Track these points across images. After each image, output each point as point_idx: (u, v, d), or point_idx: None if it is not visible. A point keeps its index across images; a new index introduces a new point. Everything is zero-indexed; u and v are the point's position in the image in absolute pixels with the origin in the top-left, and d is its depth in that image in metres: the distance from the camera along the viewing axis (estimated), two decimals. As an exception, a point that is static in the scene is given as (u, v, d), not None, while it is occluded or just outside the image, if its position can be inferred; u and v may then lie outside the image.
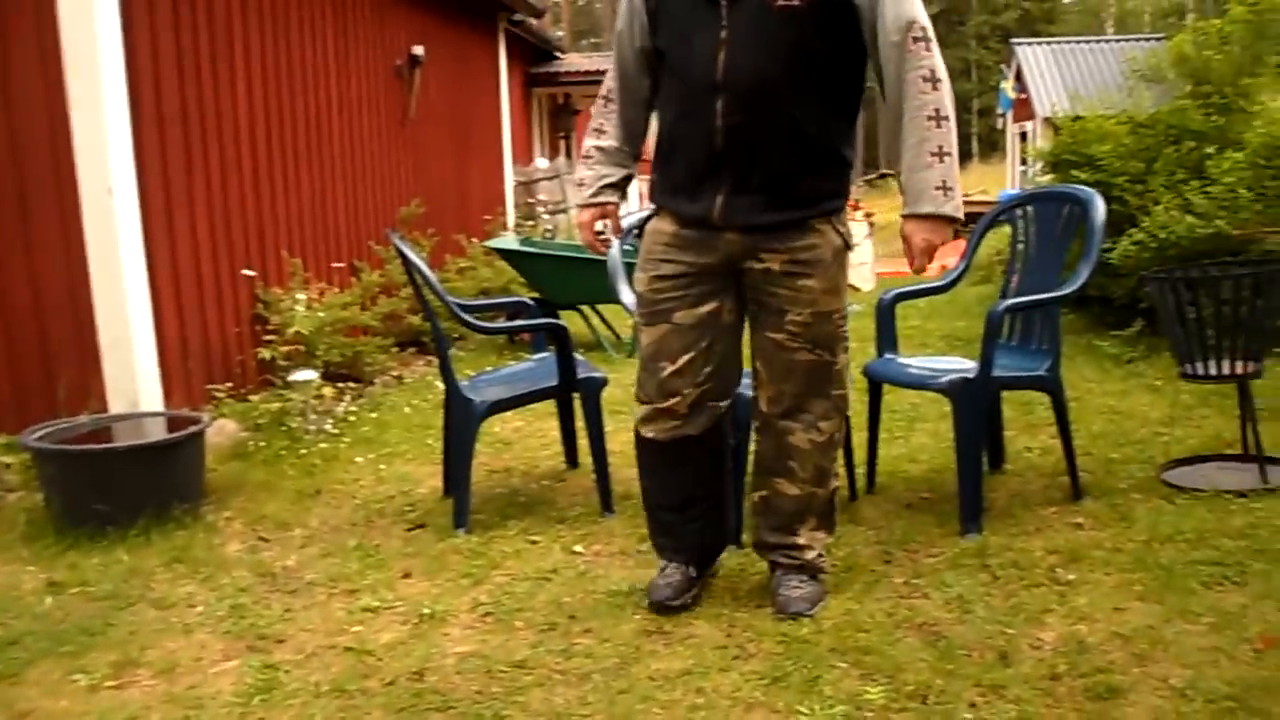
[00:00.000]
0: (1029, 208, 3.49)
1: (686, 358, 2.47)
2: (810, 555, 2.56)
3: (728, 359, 2.52)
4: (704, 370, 2.49)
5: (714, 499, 2.65)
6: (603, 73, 2.72)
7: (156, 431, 3.73)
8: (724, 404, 2.56)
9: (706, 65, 2.33)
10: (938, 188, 2.30)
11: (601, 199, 2.64)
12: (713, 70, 2.32)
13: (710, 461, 2.62)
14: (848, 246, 2.49)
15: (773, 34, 2.29)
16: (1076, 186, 3.57)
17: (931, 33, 2.31)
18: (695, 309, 2.46)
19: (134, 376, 4.07)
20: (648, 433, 2.56)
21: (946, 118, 2.29)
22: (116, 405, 4.03)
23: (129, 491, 3.27)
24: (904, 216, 2.38)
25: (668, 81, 2.47)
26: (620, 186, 2.67)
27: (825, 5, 2.28)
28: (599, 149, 2.64)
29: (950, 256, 5.23)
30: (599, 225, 2.67)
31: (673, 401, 2.50)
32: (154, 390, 4.17)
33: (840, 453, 2.60)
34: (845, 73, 2.39)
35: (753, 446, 2.63)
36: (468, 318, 3.49)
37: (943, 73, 2.31)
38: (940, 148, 2.29)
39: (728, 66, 2.31)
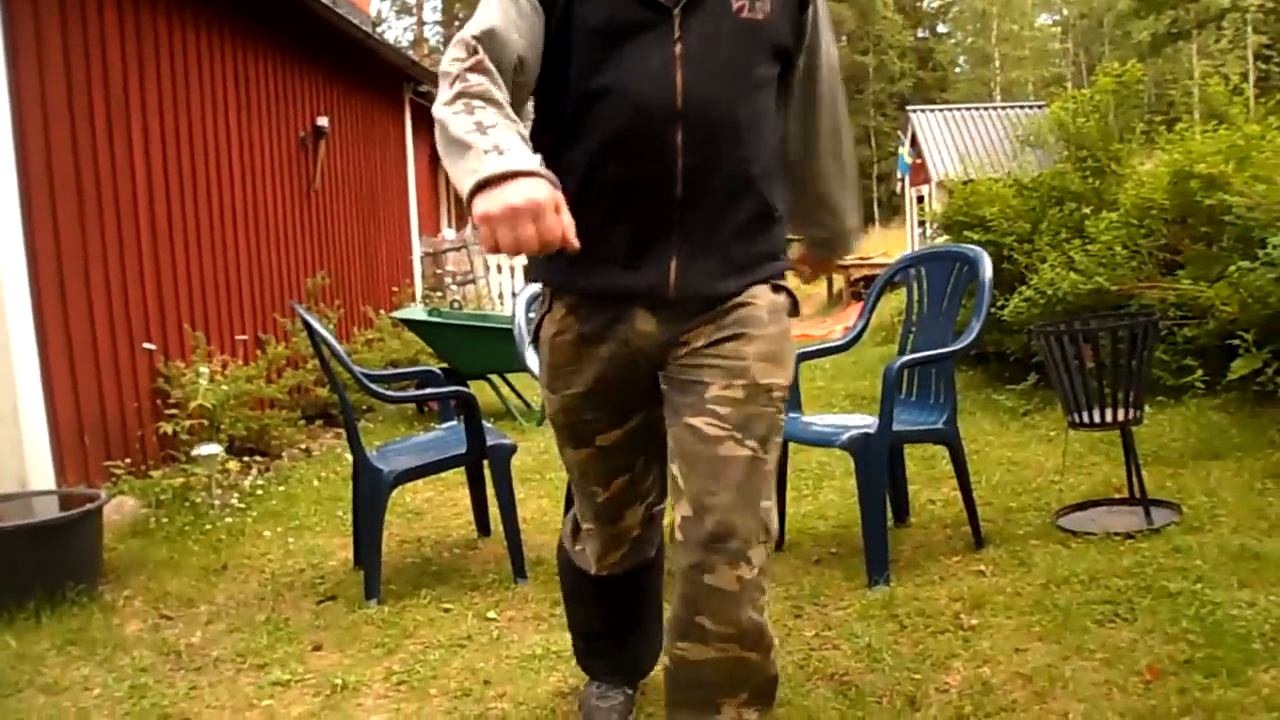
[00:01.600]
0: (921, 268, 3.64)
1: (620, 481, 2.02)
2: None
3: (664, 467, 2.00)
4: (644, 486, 2.05)
5: (655, 613, 2.30)
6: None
7: (48, 510, 3.60)
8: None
9: (661, 87, 1.72)
10: (854, 228, 2.09)
11: (550, 174, 1.47)
12: (670, 94, 1.72)
13: (656, 575, 2.28)
14: (794, 308, 1.94)
15: (734, 52, 1.77)
16: (966, 246, 3.75)
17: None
18: (620, 427, 1.96)
19: (23, 454, 3.92)
20: (600, 569, 2.15)
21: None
22: (3, 485, 3.88)
23: (18, 573, 3.15)
24: (822, 240, 2.10)
25: (584, 104, 1.76)
26: None
27: (781, 22, 1.82)
28: (504, 115, 1.56)
29: (854, 318, 5.39)
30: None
31: (618, 526, 2.08)
32: (45, 468, 4.03)
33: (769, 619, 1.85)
34: (777, 105, 1.90)
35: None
36: (375, 387, 3.48)
37: None
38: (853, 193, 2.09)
39: (687, 89, 1.72)
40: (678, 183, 1.75)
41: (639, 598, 2.28)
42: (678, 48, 1.73)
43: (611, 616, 2.29)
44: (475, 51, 1.63)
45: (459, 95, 1.57)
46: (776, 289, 1.88)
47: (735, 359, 1.80)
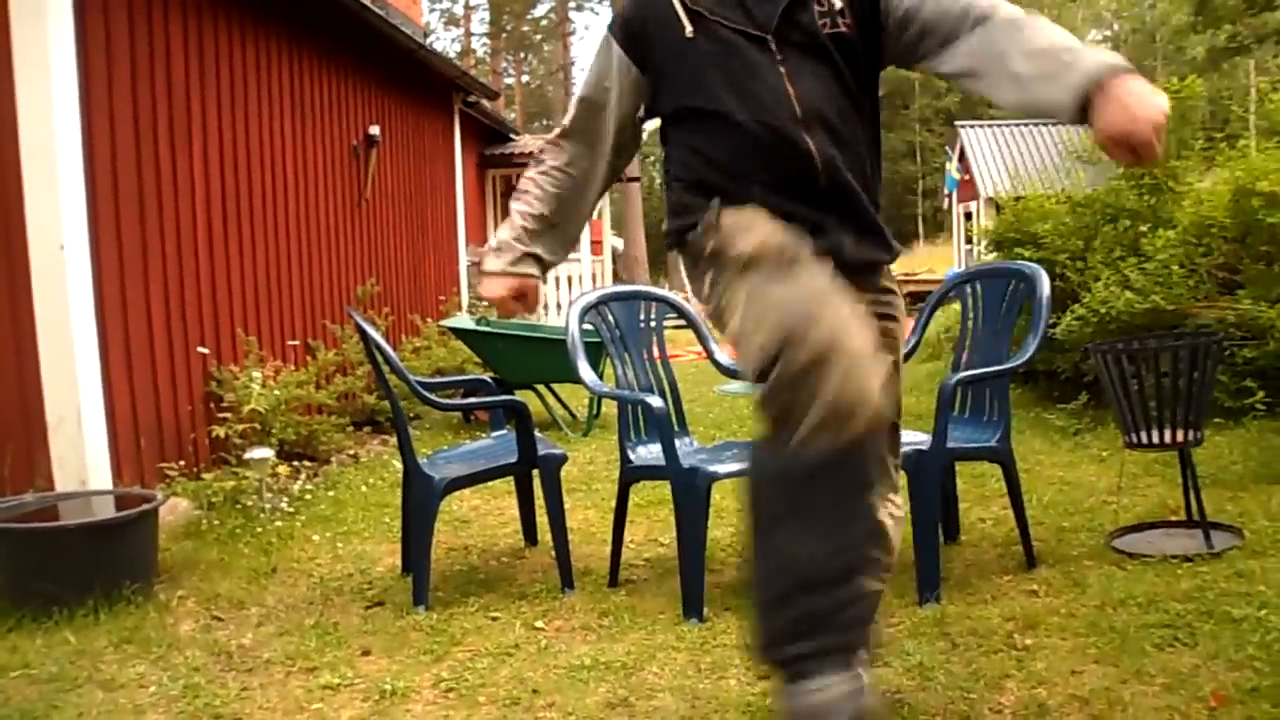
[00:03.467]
0: (976, 284, 3.61)
1: (846, 304, 1.79)
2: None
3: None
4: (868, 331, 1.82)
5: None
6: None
7: (105, 510, 3.66)
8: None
9: (780, 97, 1.94)
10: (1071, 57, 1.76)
11: (524, 269, 2.21)
12: (789, 103, 1.94)
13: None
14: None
15: (826, 64, 1.98)
16: (1022, 262, 3.71)
17: None
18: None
19: (83, 454, 4.00)
20: (819, 439, 1.65)
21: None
22: (64, 483, 3.96)
23: (76, 571, 3.20)
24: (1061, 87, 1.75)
25: (719, 125, 1.97)
26: (544, 266, 2.25)
27: (864, 24, 2.00)
28: (534, 216, 2.20)
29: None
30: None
31: (856, 345, 1.70)
32: (103, 468, 4.11)
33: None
34: (874, 116, 2.10)
35: None
36: (428, 394, 3.51)
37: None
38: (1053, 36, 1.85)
39: (801, 99, 1.94)
40: (820, 174, 1.96)
41: (865, 496, 1.78)
42: (782, 69, 1.97)
43: (830, 534, 1.70)
44: (564, 122, 2.23)
45: (527, 174, 2.25)
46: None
47: (889, 337, 2.07)
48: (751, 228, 1.90)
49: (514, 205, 2.23)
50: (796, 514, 1.72)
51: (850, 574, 1.72)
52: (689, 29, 2.00)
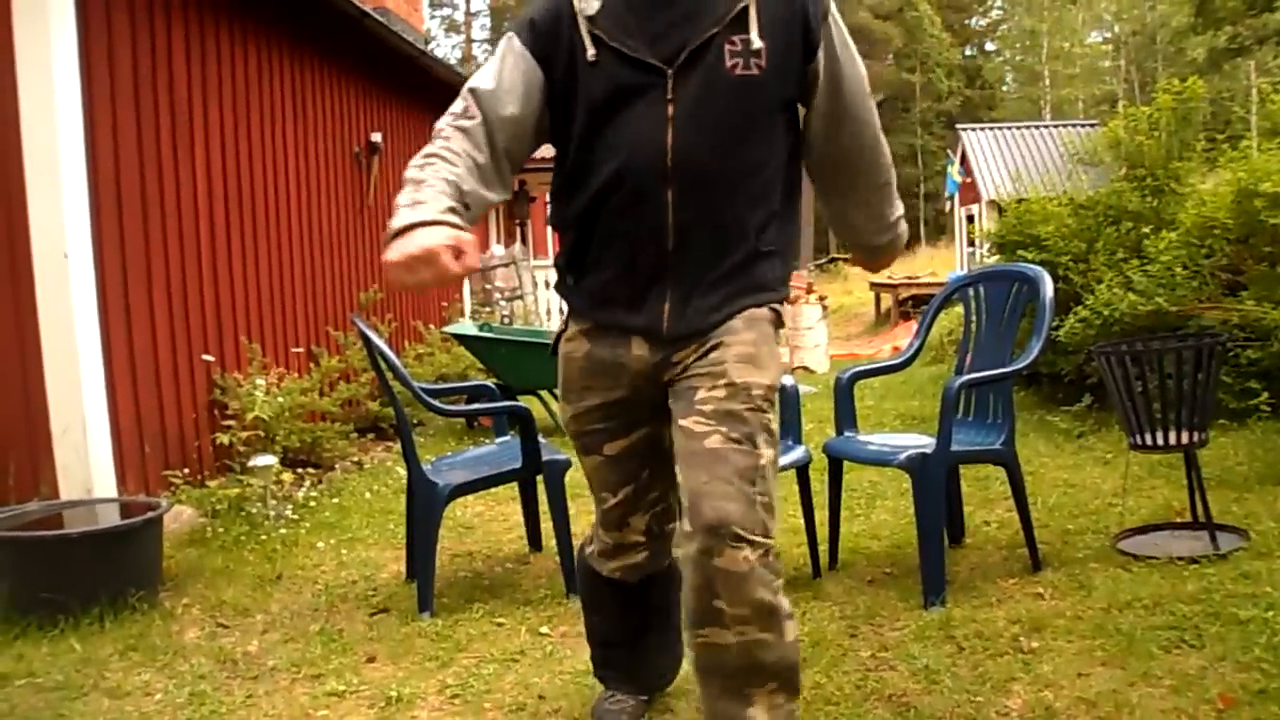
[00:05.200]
0: (980, 287, 3.61)
1: (626, 490, 2.13)
2: None
3: (672, 482, 2.02)
4: (649, 496, 2.15)
5: (671, 625, 2.30)
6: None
7: (110, 518, 3.66)
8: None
9: (653, 148, 1.87)
10: (893, 238, 2.19)
11: (457, 220, 1.76)
12: (661, 155, 1.86)
13: (671, 588, 2.20)
14: (778, 321, 2.04)
15: (727, 108, 1.88)
16: (1025, 265, 3.71)
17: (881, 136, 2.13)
18: (625, 438, 2.09)
19: (88, 462, 4.01)
20: (609, 571, 2.25)
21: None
22: (69, 491, 3.96)
23: (82, 579, 3.20)
24: (867, 249, 2.21)
25: (585, 166, 1.94)
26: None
27: (783, 69, 1.92)
28: (449, 182, 1.82)
29: (904, 338, 5.36)
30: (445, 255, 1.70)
31: (624, 533, 2.18)
32: (108, 476, 4.11)
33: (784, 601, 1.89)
34: (793, 149, 2.02)
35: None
36: (431, 400, 3.51)
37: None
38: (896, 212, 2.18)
39: (678, 150, 1.86)
40: (669, 236, 1.91)
41: (650, 606, 2.31)
42: (670, 108, 1.86)
43: (624, 623, 2.34)
44: (466, 105, 1.92)
45: (423, 154, 1.88)
46: (758, 305, 2.00)
47: (715, 365, 1.93)
48: (565, 398, 2.13)
49: (424, 172, 1.83)
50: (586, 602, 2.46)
51: (623, 644, 2.39)
52: (591, 53, 1.88)
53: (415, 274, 1.68)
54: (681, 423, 1.91)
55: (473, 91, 1.93)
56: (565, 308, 2.14)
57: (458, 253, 1.69)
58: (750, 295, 1.98)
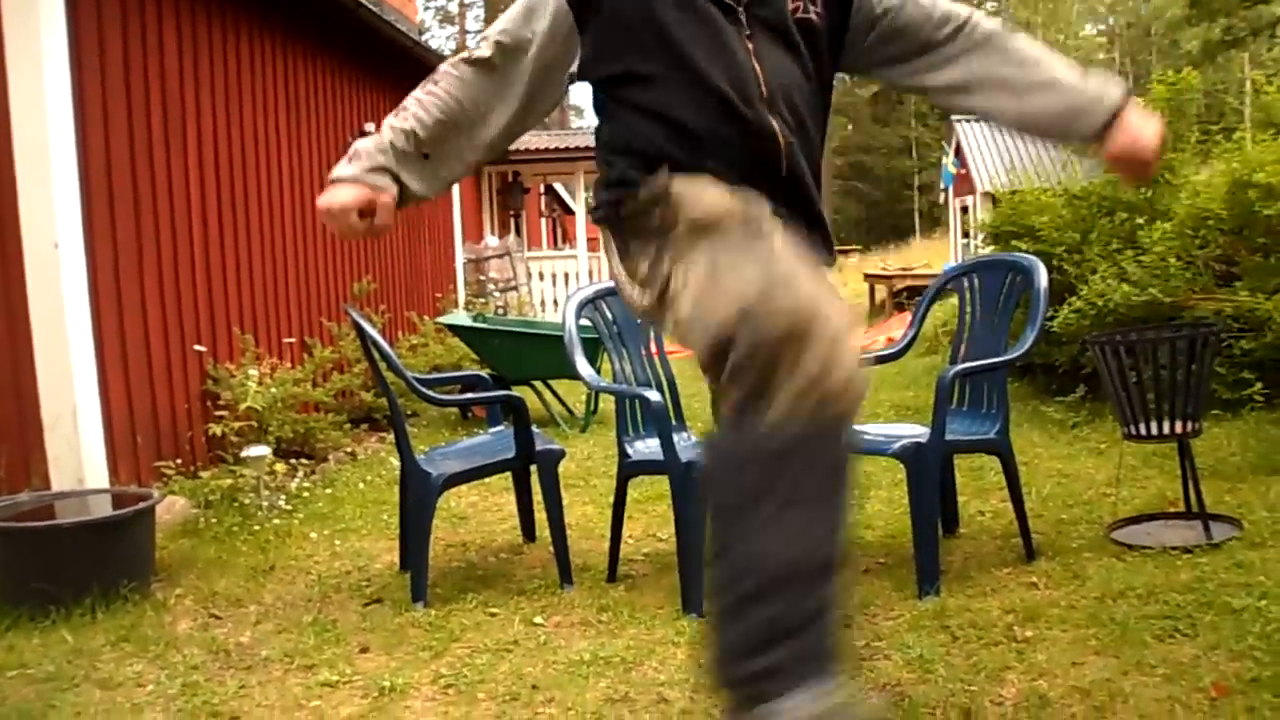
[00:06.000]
0: (974, 277, 3.60)
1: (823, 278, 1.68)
2: None
3: None
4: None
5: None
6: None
7: (102, 509, 3.65)
8: None
9: (747, 77, 1.79)
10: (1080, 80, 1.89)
11: (378, 180, 1.86)
12: (756, 85, 1.79)
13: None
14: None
15: (795, 49, 1.86)
16: (1020, 254, 3.70)
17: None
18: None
19: (79, 452, 3.99)
20: (798, 414, 1.45)
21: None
22: (60, 482, 3.95)
23: (73, 570, 3.19)
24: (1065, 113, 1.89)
25: (682, 106, 1.79)
26: (405, 192, 1.91)
27: (835, 21, 1.91)
28: (406, 133, 1.88)
29: (898, 329, 5.36)
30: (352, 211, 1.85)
31: (839, 315, 1.51)
32: (100, 467, 4.10)
33: None
34: (829, 104, 1.99)
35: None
36: (424, 389, 3.50)
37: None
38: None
39: (771, 83, 1.81)
40: (783, 163, 1.81)
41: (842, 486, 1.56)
42: (750, 44, 1.82)
43: (810, 523, 1.47)
44: (477, 53, 1.91)
45: (409, 97, 1.93)
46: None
47: None
48: (708, 193, 1.72)
49: (388, 120, 1.90)
50: (770, 500, 1.44)
51: (831, 569, 1.46)
52: None
53: (331, 224, 1.86)
54: None
55: (495, 42, 1.91)
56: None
57: (369, 210, 1.84)
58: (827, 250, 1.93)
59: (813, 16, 1.88)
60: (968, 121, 23.83)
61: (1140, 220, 5.64)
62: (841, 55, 1.96)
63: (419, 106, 1.90)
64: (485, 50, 1.91)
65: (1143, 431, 3.34)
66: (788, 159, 1.81)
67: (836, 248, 2.06)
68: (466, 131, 1.93)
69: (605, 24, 1.84)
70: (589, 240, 13.55)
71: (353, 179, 1.85)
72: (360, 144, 1.89)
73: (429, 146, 1.90)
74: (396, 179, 1.89)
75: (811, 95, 1.89)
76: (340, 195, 1.84)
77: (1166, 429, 3.30)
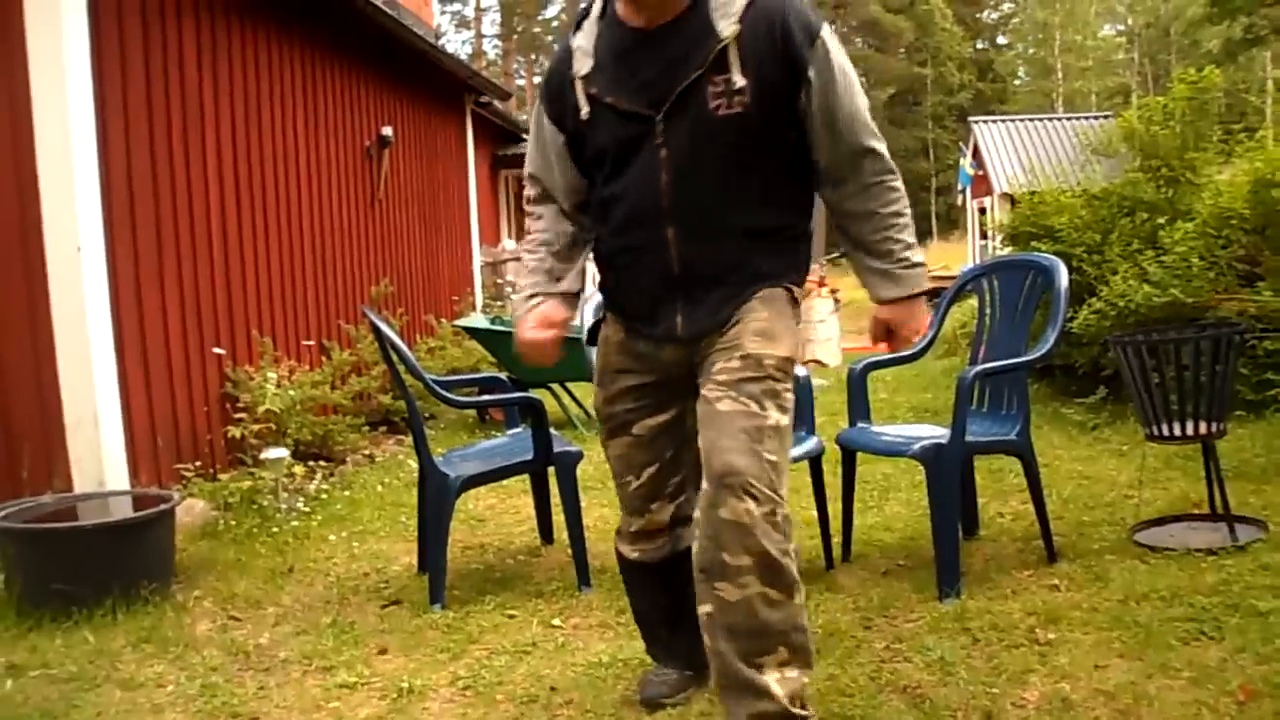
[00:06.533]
0: (994, 277, 3.57)
1: (651, 470, 2.27)
2: (782, 705, 1.93)
3: (695, 465, 2.15)
4: (672, 481, 2.29)
5: None
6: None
7: (123, 510, 3.67)
8: None
9: (652, 191, 2.06)
10: (905, 267, 2.14)
11: (534, 305, 2.29)
12: (659, 196, 2.06)
13: None
14: (792, 299, 2.15)
15: (716, 146, 2.03)
16: (1040, 254, 3.67)
17: (887, 159, 2.12)
18: (655, 417, 2.25)
19: (100, 455, 4.01)
20: (629, 553, 2.38)
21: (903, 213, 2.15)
22: (82, 484, 3.97)
23: (95, 571, 3.20)
24: (876, 274, 2.16)
25: (603, 205, 2.19)
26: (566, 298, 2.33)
27: (767, 99, 2.01)
28: (537, 251, 2.33)
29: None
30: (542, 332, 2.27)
31: (645, 520, 2.31)
32: (121, 469, 4.11)
33: (793, 565, 1.97)
34: (795, 155, 2.12)
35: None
36: (442, 391, 3.50)
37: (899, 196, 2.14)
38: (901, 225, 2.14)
39: (675, 190, 2.05)
40: (675, 264, 2.10)
41: (683, 588, 2.24)
42: (663, 152, 2.04)
43: (656, 603, 2.42)
44: (529, 192, 2.35)
45: (525, 238, 2.41)
46: (772, 285, 2.13)
47: (733, 340, 2.07)
48: (600, 382, 2.31)
49: (520, 280, 2.41)
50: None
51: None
52: (584, 111, 2.10)
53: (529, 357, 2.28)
54: (702, 392, 2.07)
55: (531, 177, 2.33)
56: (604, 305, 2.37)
57: (546, 324, 2.25)
58: (762, 282, 2.12)
59: (739, 109, 2.00)
60: (985, 123, 23.74)
61: (1161, 220, 5.60)
62: (802, 123, 2.07)
63: (530, 250, 2.35)
64: (530, 189, 2.35)
65: (1166, 432, 3.31)
66: (681, 264, 2.09)
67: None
68: (568, 252, 2.33)
69: (570, 137, 2.19)
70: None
71: (525, 314, 2.28)
72: (525, 279, 2.34)
73: (556, 274, 2.32)
74: (551, 295, 2.30)
75: (748, 181, 2.07)
76: (525, 333, 2.26)
77: (1190, 430, 3.27)
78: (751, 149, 2.05)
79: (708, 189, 2.06)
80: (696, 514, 2.02)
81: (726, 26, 1.98)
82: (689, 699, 2.37)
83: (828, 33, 2.03)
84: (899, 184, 2.14)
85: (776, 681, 1.93)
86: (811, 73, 2.00)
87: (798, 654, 1.97)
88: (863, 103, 2.08)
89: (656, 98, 2.02)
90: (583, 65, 2.10)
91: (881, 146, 2.10)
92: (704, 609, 1.98)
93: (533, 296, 2.30)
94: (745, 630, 1.93)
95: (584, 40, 2.12)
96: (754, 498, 1.92)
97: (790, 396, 2.06)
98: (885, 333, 2.20)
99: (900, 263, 2.12)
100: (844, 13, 42.68)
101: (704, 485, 1.98)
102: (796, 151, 2.11)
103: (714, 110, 2.00)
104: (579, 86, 2.10)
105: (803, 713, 1.96)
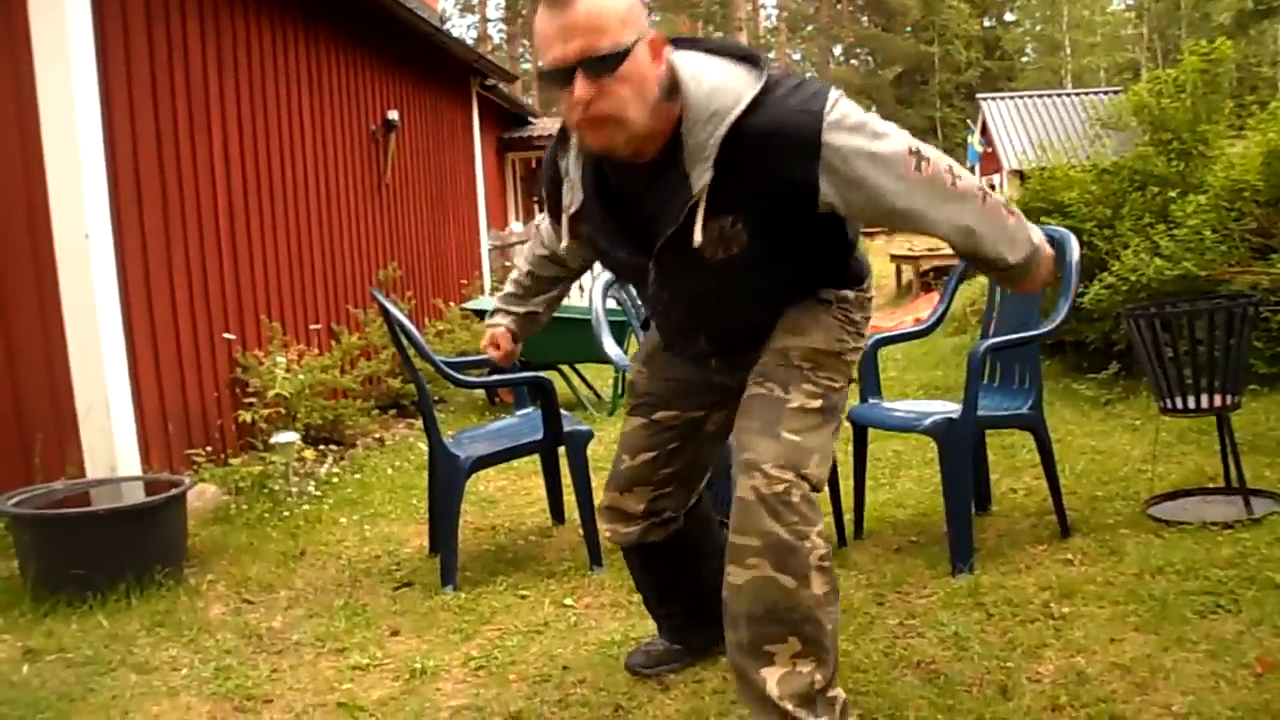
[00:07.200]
0: (1004, 250, 3.54)
1: (645, 457, 2.24)
2: (775, 704, 1.82)
3: (694, 467, 2.29)
4: (662, 473, 2.25)
5: (695, 597, 2.39)
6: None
7: (135, 495, 3.67)
8: (681, 517, 2.33)
9: (665, 308, 2.09)
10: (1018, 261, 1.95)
11: (495, 320, 2.57)
12: (674, 312, 2.09)
13: (682, 565, 2.38)
14: (819, 300, 2.01)
15: (718, 282, 1.91)
16: (1051, 227, 3.63)
17: (982, 213, 1.88)
18: (678, 411, 2.22)
19: (112, 441, 4.02)
20: (601, 529, 2.43)
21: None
22: (94, 470, 3.98)
23: (108, 556, 3.21)
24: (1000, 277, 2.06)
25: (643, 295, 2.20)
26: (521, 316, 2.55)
27: (770, 231, 1.83)
28: (526, 277, 2.52)
29: (925, 309, 5.31)
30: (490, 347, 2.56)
31: (619, 499, 2.28)
32: (132, 455, 4.13)
33: (813, 549, 1.84)
34: (827, 238, 1.95)
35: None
36: (452, 371, 3.49)
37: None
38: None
39: (688, 312, 2.07)
40: (707, 347, 2.13)
41: (652, 573, 2.43)
42: (665, 294, 2.01)
43: (641, 580, 2.49)
44: (532, 249, 2.49)
45: (529, 243, 2.55)
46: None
47: (771, 342, 2.01)
48: (646, 364, 2.28)
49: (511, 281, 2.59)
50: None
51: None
52: (582, 246, 2.08)
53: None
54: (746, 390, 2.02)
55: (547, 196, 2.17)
56: None
57: (494, 345, 2.54)
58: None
59: (733, 250, 1.82)
60: (994, 100, 23.60)
61: (1173, 194, 5.53)
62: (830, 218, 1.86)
63: (517, 274, 2.59)
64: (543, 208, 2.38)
65: (1180, 405, 3.28)
66: (712, 347, 2.12)
67: (866, 230, 2.14)
68: (559, 281, 2.54)
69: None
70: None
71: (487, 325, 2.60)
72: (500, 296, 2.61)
73: (536, 302, 2.57)
74: (508, 313, 2.55)
75: (773, 282, 1.96)
76: (483, 346, 2.57)
77: (1205, 403, 3.24)
78: (765, 269, 1.89)
79: (728, 306, 2.01)
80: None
81: (699, 176, 1.73)
82: (671, 672, 2.41)
83: (833, 121, 1.71)
84: (1001, 219, 1.90)
85: (780, 678, 1.81)
86: (828, 191, 1.75)
87: (812, 646, 1.83)
88: (926, 173, 1.78)
89: (644, 246, 1.88)
90: (572, 201, 1.94)
91: (971, 205, 1.84)
92: (723, 593, 1.90)
93: (496, 312, 2.55)
94: (749, 615, 1.83)
95: (573, 167, 1.93)
96: (764, 475, 1.83)
97: (828, 383, 1.95)
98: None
99: (1006, 263, 1.95)
100: (850, -9, 42.33)
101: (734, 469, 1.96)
102: (825, 238, 1.93)
103: (709, 257, 1.82)
104: (564, 223, 1.98)
105: (800, 713, 1.81)
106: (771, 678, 1.82)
